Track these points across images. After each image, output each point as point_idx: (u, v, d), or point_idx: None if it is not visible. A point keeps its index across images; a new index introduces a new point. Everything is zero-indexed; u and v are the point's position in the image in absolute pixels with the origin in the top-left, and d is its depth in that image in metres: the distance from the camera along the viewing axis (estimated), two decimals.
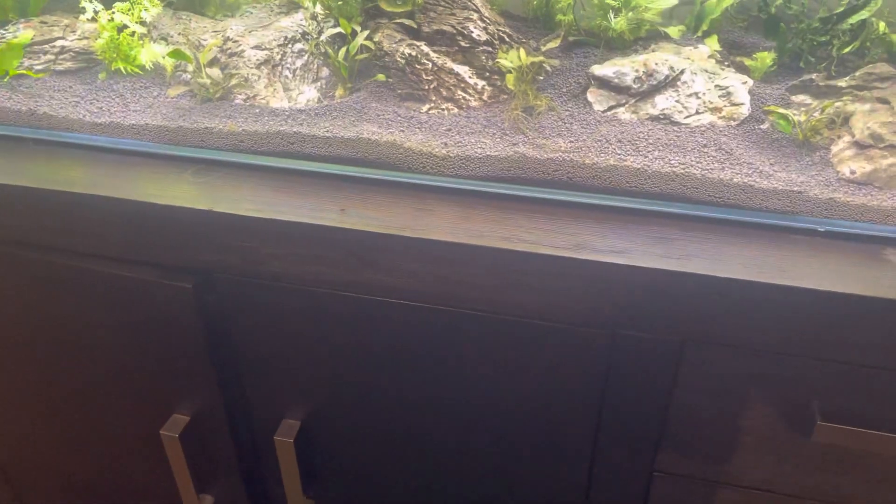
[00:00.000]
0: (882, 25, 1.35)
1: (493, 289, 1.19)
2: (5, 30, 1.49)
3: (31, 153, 1.39)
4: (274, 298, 1.30)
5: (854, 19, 1.32)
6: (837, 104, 1.28)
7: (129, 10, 1.42)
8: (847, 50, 1.35)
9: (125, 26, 1.42)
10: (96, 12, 1.41)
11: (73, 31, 1.49)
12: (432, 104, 1.40)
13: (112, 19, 1.41)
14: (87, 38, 1.49)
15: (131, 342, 1.42)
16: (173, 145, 1.37)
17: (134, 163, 1.36)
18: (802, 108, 1.31)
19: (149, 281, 1.32)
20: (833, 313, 1.06)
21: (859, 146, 1.22)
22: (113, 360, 1.47)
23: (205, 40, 1.42)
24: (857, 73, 1.31)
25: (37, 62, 1.47)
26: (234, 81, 1.40)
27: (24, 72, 1.44)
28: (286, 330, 1.33)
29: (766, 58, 1.37)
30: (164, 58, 1.43)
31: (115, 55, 1.45)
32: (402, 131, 1.34)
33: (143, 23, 1.45)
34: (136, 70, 1.47)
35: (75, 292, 1.39)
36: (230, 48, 1.42)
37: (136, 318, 1.38)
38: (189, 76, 1.42)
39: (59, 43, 1.48)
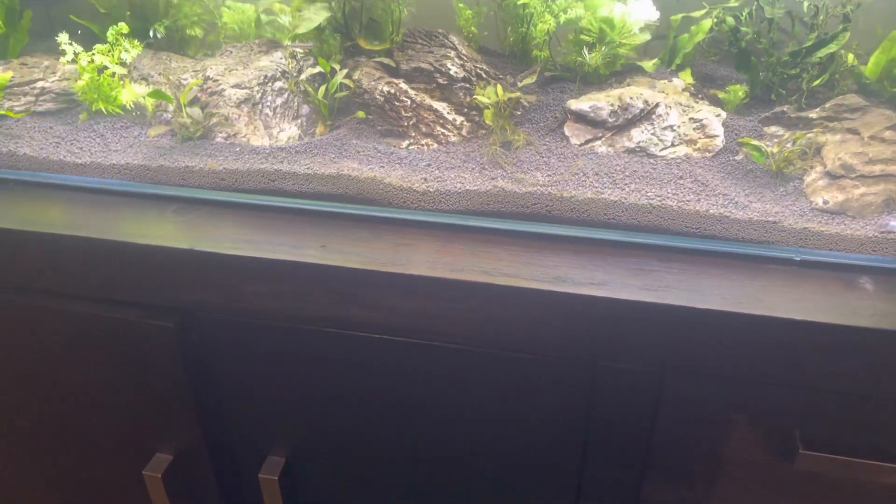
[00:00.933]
0: (851, 57, 1.38)
1: (474, 322, 1.20)
2: None
3: (11, 194, 1.39)
4: (255, 336, 1.30)
5: (822, 53, 1.35)
6: (809, 135, 1.30)
7: (110, 51, 1.43)
8: (817, 83, 1.38)
9: (105, 67, 1.43)
10: (76, 54, 1.42)
11: (54, 73, 1.50)
12: (412, 140, 1.41)
13: (92, 61, 1.42)
14: (67, 79, 1.49)
15: (112, 382, 1.41)
16: (154, 184, 1.38)
17: (115, 202, 1.37)
18: (775, 140, 1.33)
19: (130, 321, 1.31)
20: (812, 342, 1.07)
21: (831, 176, 1.24)
22: (94, 400, 1.45)
23: (185, 80, 1.43)
24: (828, 105, 1.34)
25: (17, 103, 1.48)
26: (214, 120, 1.41)
27: (5, 112, 1.44)
28: (268, 367, 1.32)
29: (738, 90, 1.40)
30: (144, 98, 1.44)
31: (95, 96, 1.45)
32: (383, 167, 1.35)
33: (123, 63, 1.46)
34: (117, 110, 1.48)
35: (55, 333, 1.38)
36: (210, 87, 1.43)
37: (118, 358, 1.37)
38: (170, 116, 1.43)
39: (39, 84, 1.49)
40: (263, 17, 1.57)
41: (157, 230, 1.28)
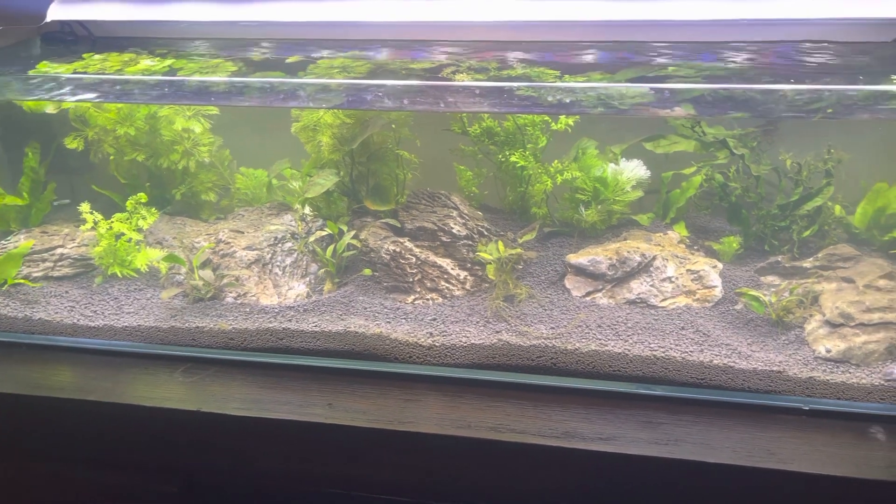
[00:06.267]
0: (838, 209, 1.44)
1: (481, 480, 1.18)
2: (7, 240, 1.57)
3: (23, 358, 1.41)
4: (260, 499, 1.28)
5: (810, 205, 1.41)
6: (805, 284, 1.33)
7: (128, 218, 1.51)
8: (807, 233, 1.43)
9: (123, 233, 1.50)
10: (96, 222, 1.49)
11: (73, 240, 1.57)
12: (417, 295, 1.45)
13: (111, 228, 1.49)
14: (85, 244, 1.56)
15: None
16: (165, 345, 1.40)
17: (125, 364, 1.38)
18: (772, 289, 1.36)
19: (133, 486, 1.30)
20: (826, 496, 1.05)
21: (831, 325, 1.26)
22: None
23: (198, 243, 1.50)
24: (821, 255, 1.39)
25: (35, 269, 1.53)
26: (225, 281, 1.46)
27: (22, 281, 1.50)
28: None
29: (732, 242, 1.45)
30: (158, 262, 1.49)
31: (111, 260, 1.51)
32: (389, 322, 1.38)
33: (139, 230, 1.53)
34: (132, 273, 1.53)
35: (55, 500, 1.36)
36: (222, 249, 1.49)
37: None
38: (182, 277, 1.48)
39: (58, 250, 1.55)
40: (275, 182, 1.66)
41: (166, 392, 1.29)
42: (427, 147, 1.57)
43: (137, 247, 1.53)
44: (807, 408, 1.18)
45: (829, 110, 1.12)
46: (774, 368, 1.21)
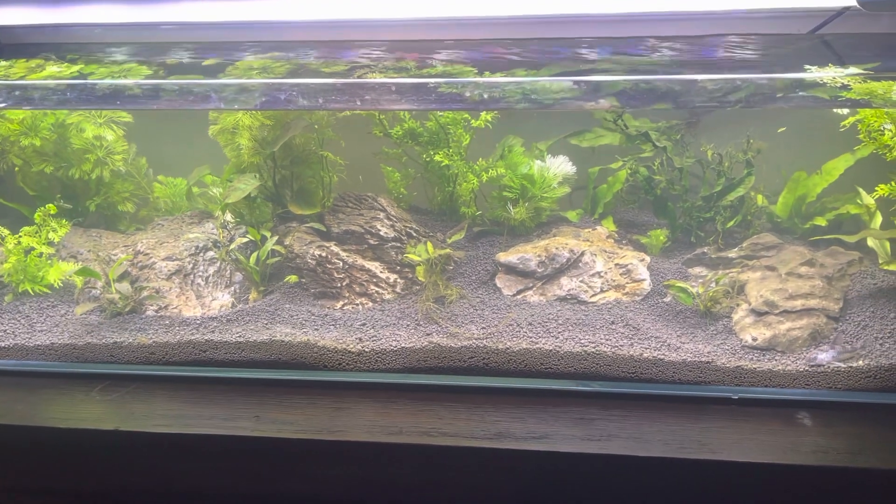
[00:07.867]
0: (760, 198, 1.46)
1: (413, 486, 1.15)
2: None
3: None
4: None
5: (732, 196, 1.43)
6: (731, 274, 1.35)
7: (37, 232, 1.44)
8: (731, 224, 1.45)
9: (32, 248, 1.44)
10: (3, 237, 1.42)
11: None
12: (346, 300, 1.42)
13: (19, 243, 1.42)
14: None
15: None
16: (81, 363, 1.34)
17: (39, 385, 1.32)
18: (700, 280, 1.38)
19: None
20: (756, 484, 1.05)
21: (756, 313, 1.28)
22: None
23: (115, 255, 1.44)
24: (745, 244, 1.41)
25: None
26: (144, 294, 1.40)
27: None
28: None
29: (659, 235, 1.46)
30: (72, 276, 1.43)
31: (21, 277, 1.44)
32: (317, 329, 1.35)
33: (51, 243, 1.46)
34: (44, 289, 1.46)
35: None
36: (141, 261, 1.44)
37: None
38: (98, 292, 1.42)
39: None
40: (195, 189, 1.61)
41: (82, 412, 1.23)
42: (353, 149, 1.54)
43: (49, 261, 1.46)
44: (736, 397, 1.19)
45: (779, 95, 1.13)
46: (703, 359, 1.22)
